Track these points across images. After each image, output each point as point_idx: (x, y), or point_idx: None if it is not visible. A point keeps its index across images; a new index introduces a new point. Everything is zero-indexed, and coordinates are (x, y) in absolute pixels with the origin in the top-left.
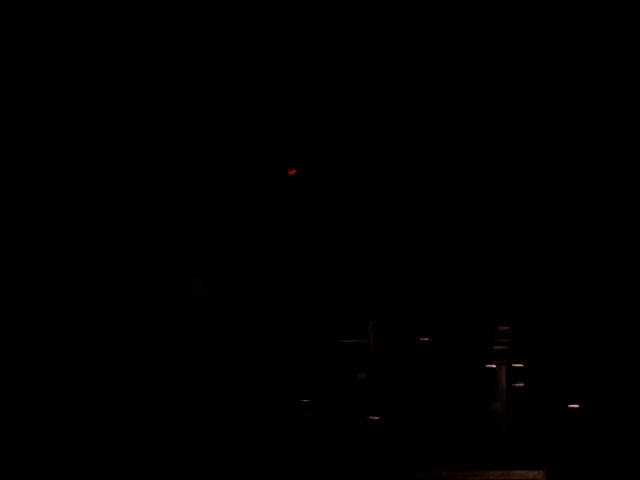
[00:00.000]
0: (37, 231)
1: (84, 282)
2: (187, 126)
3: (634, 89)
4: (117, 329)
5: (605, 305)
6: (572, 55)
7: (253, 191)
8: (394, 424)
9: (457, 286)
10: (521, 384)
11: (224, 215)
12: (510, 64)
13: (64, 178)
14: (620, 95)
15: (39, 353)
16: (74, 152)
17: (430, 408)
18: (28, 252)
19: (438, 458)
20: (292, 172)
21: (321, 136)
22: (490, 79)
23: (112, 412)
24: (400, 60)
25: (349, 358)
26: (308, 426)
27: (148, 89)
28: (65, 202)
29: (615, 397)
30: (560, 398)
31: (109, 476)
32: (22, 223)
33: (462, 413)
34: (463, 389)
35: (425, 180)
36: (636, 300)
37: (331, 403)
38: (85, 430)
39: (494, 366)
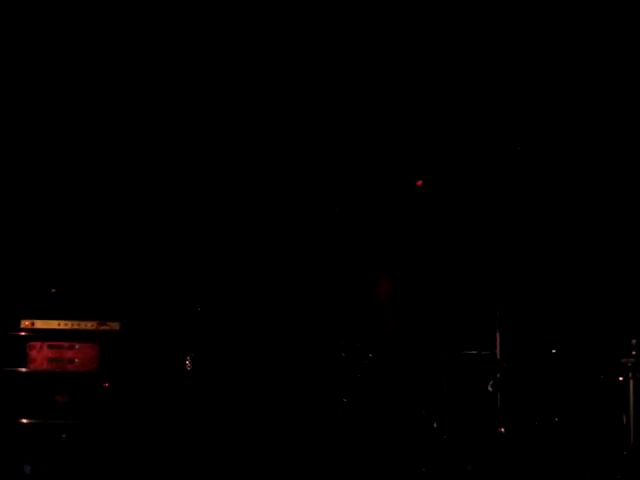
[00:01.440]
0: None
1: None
2: None
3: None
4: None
5: None
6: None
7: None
8: (521, 437)
9: (587, 297)
10: None
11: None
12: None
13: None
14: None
15: None
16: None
17: (558, 421)
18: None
19: (567, 471)
20: (419, 183)
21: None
22: None
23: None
24: None
25: (476, 370)
26: (434, 439)
27: None
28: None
29: None
30: None
31: None
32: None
33: (588, 426)
34: (591, 402)
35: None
36: None
37: (458, 415)
38: None
39: (623, 379)
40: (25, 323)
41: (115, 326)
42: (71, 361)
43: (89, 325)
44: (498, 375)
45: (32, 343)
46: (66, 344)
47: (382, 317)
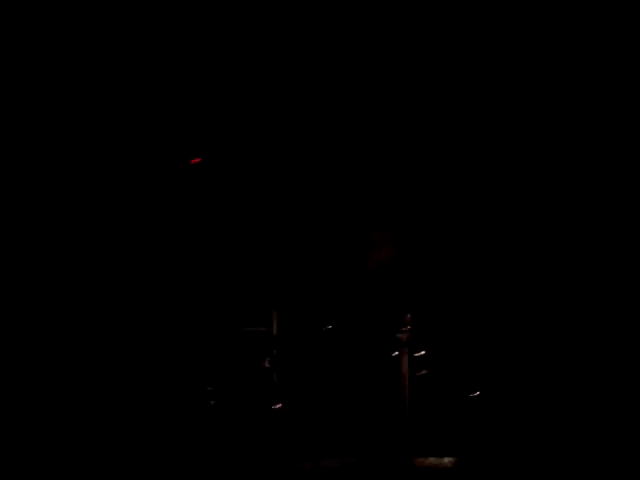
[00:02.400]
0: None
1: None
2: None
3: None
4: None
5: (510, 293)
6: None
7: None
8: (297, 412)
9: (359, 274)
10: (424, 372)
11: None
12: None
13: None
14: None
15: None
16: None
17: (334, 396)
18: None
19: (341, 447)
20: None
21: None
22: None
23: None
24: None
25: (253, 346)
26: (212, 414)
27: None
28: None
29: (517, 385)
30: (463, 386)
31: None
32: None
33: (366, 401)
34: (367, 377)
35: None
36: (535, 286)
37: (235, 391)
38: None
39: (397, 354)
40: None
41: None
42: None
43: None
44: (275, 352)
45: None
46: None
47: None
